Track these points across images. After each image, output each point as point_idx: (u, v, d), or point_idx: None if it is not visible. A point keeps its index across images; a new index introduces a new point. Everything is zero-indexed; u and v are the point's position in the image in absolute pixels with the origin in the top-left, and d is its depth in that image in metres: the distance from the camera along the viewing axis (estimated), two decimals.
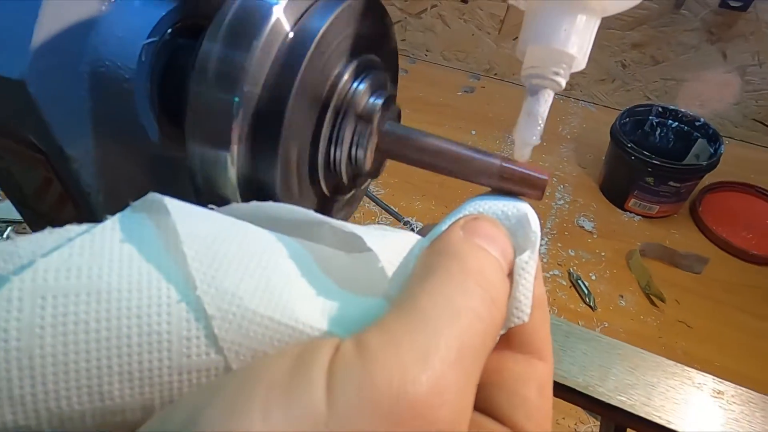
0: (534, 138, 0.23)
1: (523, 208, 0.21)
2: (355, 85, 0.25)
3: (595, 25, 0.23)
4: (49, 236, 0.14)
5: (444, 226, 0.19)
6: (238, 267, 0.14)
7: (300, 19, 0.23)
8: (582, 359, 0.44)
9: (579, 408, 0.80)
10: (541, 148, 1.32)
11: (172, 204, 0.15)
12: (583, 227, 1.10)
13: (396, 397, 0.11)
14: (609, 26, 1.35)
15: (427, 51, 1.68)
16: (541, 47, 0.23)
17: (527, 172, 0.24)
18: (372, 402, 0.11)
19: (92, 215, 0.31)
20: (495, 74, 1.59)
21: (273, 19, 0.22)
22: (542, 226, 1.13)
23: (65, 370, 0.12)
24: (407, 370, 0.12)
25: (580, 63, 0.23)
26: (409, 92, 1.48)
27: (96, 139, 0.29)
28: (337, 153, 0.25)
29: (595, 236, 1.09)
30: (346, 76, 0.24)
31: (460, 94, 1.52)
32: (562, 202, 1.17)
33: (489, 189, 0.24)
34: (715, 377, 0.44)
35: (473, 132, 1.37)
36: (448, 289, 0.14)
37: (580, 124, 1.41)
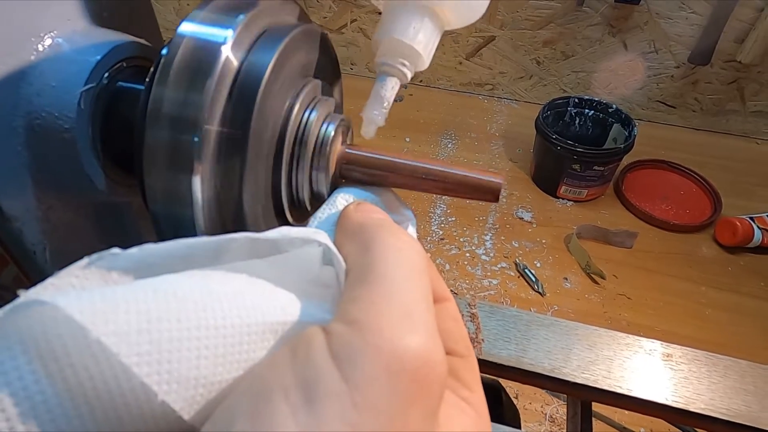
0: (379, 117, 0.27)
1: (386, 192, 0.25)
2: (307, 113, 0.25)
3: (438, 34, 0.27)
4: None
5: (327, 213, 0.22)
6: (189, 344, 0.13)
7: (248, 54, 0.23)
8: (545, 344, 0.46)
9: (542, 391, 0.83)
10: (474, 147, 1.38)
11: (68, 302, 0.11)
12: (522, 218, 1.16)
13: (402, 355, 0.13)
14: (520, 27, 1.43)
15: (352, 65, 1.70)
16: (393, 40, 0.26)
17: (484, 178, 0.25)
18: (385, 366, 0.12)
19: (38, 272, 0.29)
20: (421, 81, 1.63)
21: (223, 57, 0.22)
22: (485, 222, 1.16)
23: None
24: (402, 329, 0.13)
25: (424, 62, 0.27)
26: None
27: (38, 194, 0.27)
28: (299, 180, 0.26)
29: (534, 225, 1.14)
30: (297, 106, 0.25)
31: None
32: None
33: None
34: (662, 342, 0.47)
35: (407, 139, 1.40)
36: (393, 253, 0.16)
37: (505, 121, 1.48)
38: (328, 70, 0.31)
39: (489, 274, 1.03)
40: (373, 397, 0.12)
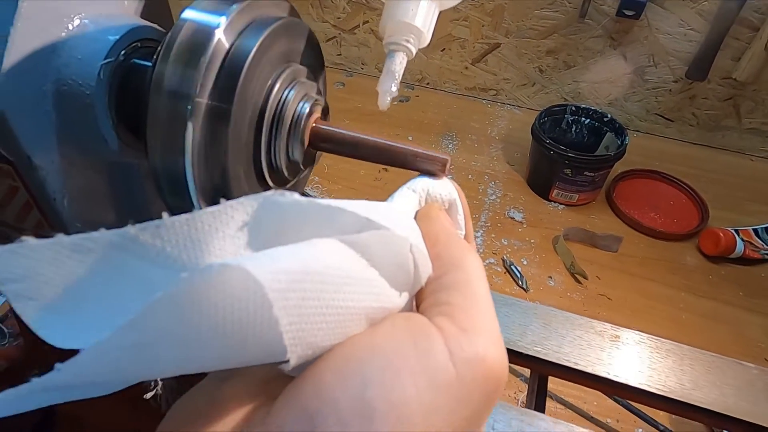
0: (393, 89, 0.31)
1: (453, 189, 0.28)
2: (286, 91, 0.30)
3: (435, 12, 0.32)
4: None
5: (407, 199, 0.25)
6: (318, 318, 0.15)
7: (238, 38, 0.28)
8: (504, 320, 0.51)
9: (517, 378, 0.88)
10: (473, 149, 1.42)
11: (260, 272, 0.14)
12: (513, 218, 1.20)
13: (495, 366, 0.16)
14: (525, 36, 1.48)
15: (362, 64, 1.75)
16: (397, 21, 0.31)
17: (432, 154, 0.30)
18: (484, 373, 0.16)
19: (57, 218, 0.34)
20: (427, 83, 1.68)
21: (215, 39, 0.27)
22: (477, 220, 1.21)
23: None
24: (496, 345, 0.17)
25: (426, 38, 0.31)
26: (348, 104, 1.55)
27: (61, 149, 0.32)
28: (277, 149, 0.30)
29: (524, 226, 1.18)
30: (278, 85, 0.30)
31: (396, 103, 1.60)
32: (494, 197, 1.27)
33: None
34: (613, 325, 0.52)
35: (410, 138, 1.45)
36: (480, 272, 0.20)
37: (506, 126, 1.52)
38: (313, 62, 0.35)
39: None
40: (472, 396, 0.15)
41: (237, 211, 0.16)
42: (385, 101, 0.31)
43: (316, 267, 0.15)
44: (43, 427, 0.53)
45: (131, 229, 0.14)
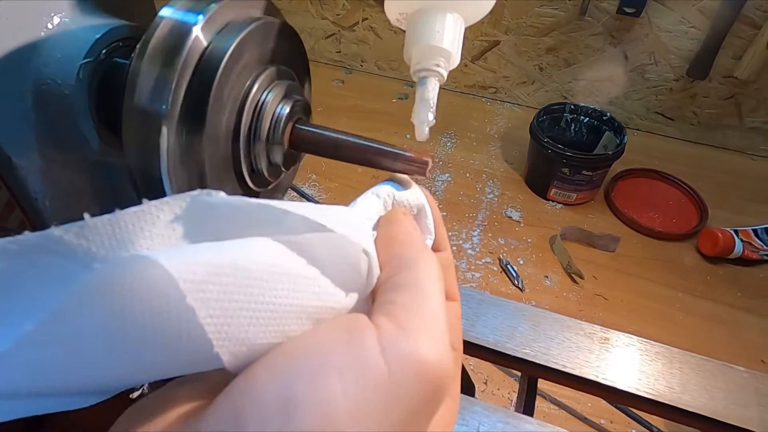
0: (430, 117, 0.29)
1: (420, 196, 0.27)
2: (264, 94, 0.30)
3: (461, 31, 0.30)
4: None
5: (370, 205, 0.25)
6: (247, 314, 0.15)
7: (215, 37, 0.28)
8: (493, 321, 0.51)
9: (511, 379, 0.88)
10: (472, 147, 1.42)
11: (173, 265, 0.14)
12: (511, 217, 1.20)
13: (433, 367, 0.16)
14: (525, 33, 1.47)
15: (362, 61, 1.75)
16: (423, 46, 0.29)
17: (412, 156, 0.30)
18: (420, 372, 0.15)
19: (39, 218, 0.34)
20: None
21: (192, 37, 0.26)
22: (474, 219, 1.21)
23: None
24: (437, 346, 0.16)
25: (455, 58, 0.29)
26: (346, 101, 1.54)
27: (41, 149, 0.32)
28: (257, 152, 0.30)
29: (522, 225, 1.18)
30: (256, 87, 0.29)
31: (394, 101, 1.60)
32: (491, 196, 1.26)
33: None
34: (602, 327, 0.51)
35: (407, 136, 1.44)
36: (432, 274, 0.19)
37: (505, 124, 1.51)
38: (296, 62, 0.35)
39: (473, 267, 1.07)
40: (405, 394, 0.15)
41: (162, 211, 0.16)
42: (423, 132, 0.29)
43: (242, 263, 0.15)
44: (34, 427, 0.53)
45: (55, 231, 0.14)
